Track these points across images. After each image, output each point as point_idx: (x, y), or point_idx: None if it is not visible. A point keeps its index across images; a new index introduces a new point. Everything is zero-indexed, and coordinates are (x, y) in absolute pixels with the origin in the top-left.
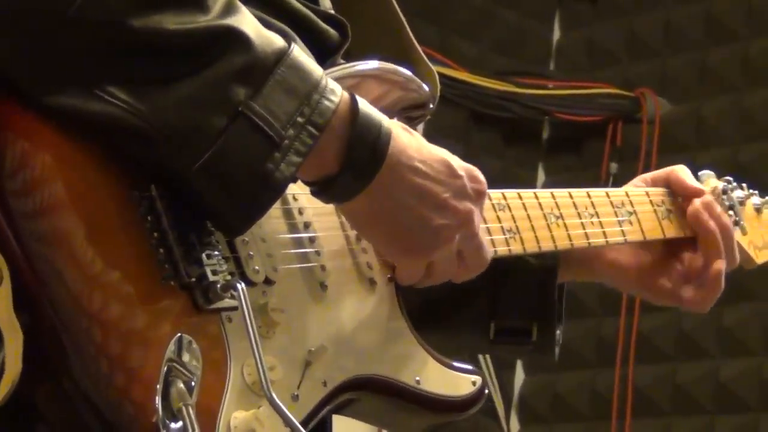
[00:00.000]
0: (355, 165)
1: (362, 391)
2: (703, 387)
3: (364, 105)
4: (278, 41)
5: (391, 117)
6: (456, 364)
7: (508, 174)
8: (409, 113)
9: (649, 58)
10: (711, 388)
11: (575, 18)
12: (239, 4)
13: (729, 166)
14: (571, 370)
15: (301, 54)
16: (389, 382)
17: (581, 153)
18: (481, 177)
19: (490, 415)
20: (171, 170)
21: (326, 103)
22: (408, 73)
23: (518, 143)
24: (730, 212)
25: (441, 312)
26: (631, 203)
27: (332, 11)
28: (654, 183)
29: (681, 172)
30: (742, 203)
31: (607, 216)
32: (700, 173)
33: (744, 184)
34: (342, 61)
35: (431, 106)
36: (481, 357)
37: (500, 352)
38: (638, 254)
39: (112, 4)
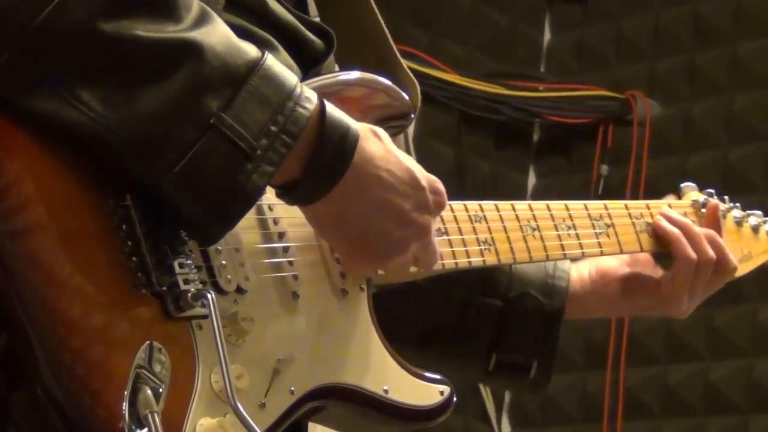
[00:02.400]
0: (319, 168)
1: (330, 399)
2: (694, 388)
3: (332, 109)
4: (251, 52)
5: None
6: (425, 374)
7: (498, 176)
8: (390, 123)
9: (638, 61)
10: (701, 390)
11: (565, 20)
12: (213, 15)
13: (719, 168)
14: (561, 373)
15: (274, 63)
16: (357, 391)
17: (572, 155)
18: (442, 189)
19: (482, 418)
20: (142, 180)
21: (300, 110)
22: (389, 83)
23: (509, 145)
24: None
25: (445, 338)
26: (609, 216)
27: (318, 20)
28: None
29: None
30: (723, 216)
31: (584, 228)
32: (681, 185)
33: (725, 197)
34: (323, 73)
35: (412, 116)
36: None
37: (493, 384)
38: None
39: (81, 10)
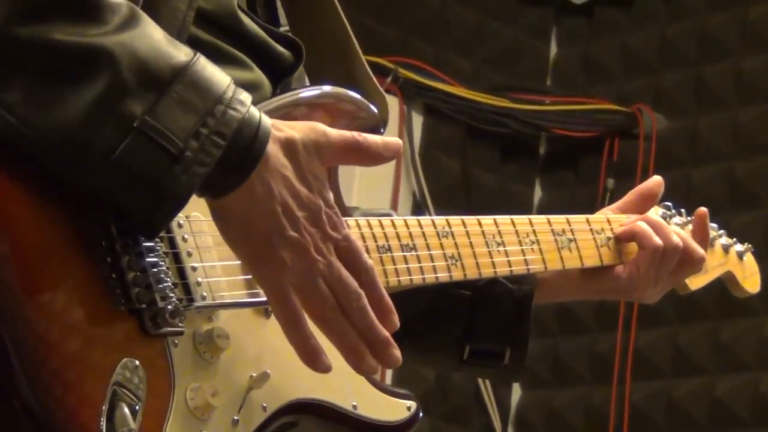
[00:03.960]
0: (226, 165)
1: (301, 415)
2: (699, 403)
3: (253, 110)
4: (179, 57)
5: None
6: (392, 389)
7: (504, 189)
8: None
9: (645, 74)
10: (707, 404)
11: (572, 34)
12: (142, 17)
13: (725, 182)
14: (567, 387)
15: (204, 68)
16: (327, 407)
17: (578, 169)
18: (335, 209)
19: (487, 430)
20: (75, 182)
21: (232, 113)
22: (357, 97)
23: (515, 159)
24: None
25: (416, 330)
26: (572, 231)
27: (287, 30)
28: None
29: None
30: (681, 229)
31: (547, 243)
32: None
33: (683, 210)
34: (293, 86)
35: (382, 130)
36: None
37: (468, 372)
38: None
39: None
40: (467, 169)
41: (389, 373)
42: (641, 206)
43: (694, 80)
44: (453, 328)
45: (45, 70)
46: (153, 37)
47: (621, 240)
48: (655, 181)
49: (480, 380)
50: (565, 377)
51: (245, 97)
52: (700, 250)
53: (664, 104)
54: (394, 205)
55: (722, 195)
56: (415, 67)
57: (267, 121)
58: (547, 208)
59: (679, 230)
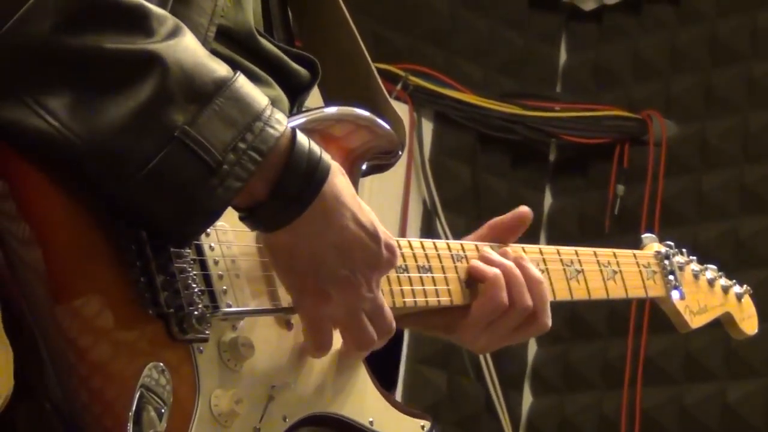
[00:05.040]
0: (284, 194)
1: (320, 427)
2: (711, 409)
3: (303, 138)
4: (220, 71)
5: (360, 163)
6: (407, 408)
7: (514, 196)
8: (377, 160)
9: (655, 81)
10: (718, 411)
11: (581, 40)
12: (186, 30)
13: (734, 188)
14: (578, 393)
15: (244, 85)
16: (345, 422)
17: (588, 175)
18: (395, 247)
19: None
20: (110, 191)
21: (270, 130)
22: (376, 119)
23: (525, 165)
24: (671, 277)
25: None
26: (580, 262)
27: (302, 51)
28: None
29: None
30: (681, 268)
31: (557, 272)
32: (642, 236)
33: (684, 250)
34: (307, 107)
35: (400, 152)
36: (487, 376)
37: None
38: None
39: (44, 24)
40: (477, 175)
41: (400, 381)
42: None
43: (704, 86)
44: None
45: (93, 78)
46: (196, 50)
47: (471, 277)
48: (521, 213)
49: (491, 387)
50: (576, 384)
51: (282, 117)
52: (547, 321)
53: (674, 110)
54: (405, 213)
55: (732, 201)
56: (425, 74)
57: (326, 155)
58: (558, 214)
59: (542, 288)
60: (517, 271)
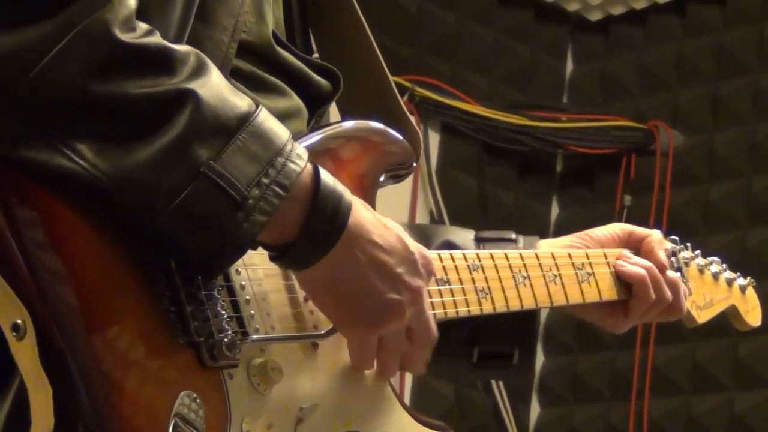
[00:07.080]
0: (313, 234)
1: None
2: (718, 419)
3: (326, 176)
4: (242, 107)
5: (377, 177)
6: (428, 420)
7: (521, 207)
8: (393, 171)
9: (661, 91)
10: (726, 421)
11: (588, 51)
12: (210, 66)
13: (742, 198)
14: (586, 404)
15: (266, 120)
16: None
17: (595, 186)
18: (430, 256)
19: None
20: (141, 223)
21: (291, 165)
22: (390, 132)
23: (532, 176)
24: (678, 274)
25: None
26: (591, 264)
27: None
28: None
29: (656, 242)
30: (687, 264)
31: (569, 277)
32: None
33: (688, 244)
34: (326, 122)
35: (414, 164)
36: (495, 387)
37: (481, 376)
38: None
39: (71, 70)
40: (484, 187)
41: (408, 392)
42: (627, 245)
43: (710, 97)
44: (460, 332)
45: (120, 122)
46: (220, 85)
47: (622, 277)
48: (655, 237)
49: (498, 398)
50: (583, 394)
51: (302, 151)
52: (683, 307)
53: (680, 121)
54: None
55: (739, 211)
56: (432, 86)
57: (347, 192)
58: (565, 225)
59: (675, 277)
60: (656, 273)
